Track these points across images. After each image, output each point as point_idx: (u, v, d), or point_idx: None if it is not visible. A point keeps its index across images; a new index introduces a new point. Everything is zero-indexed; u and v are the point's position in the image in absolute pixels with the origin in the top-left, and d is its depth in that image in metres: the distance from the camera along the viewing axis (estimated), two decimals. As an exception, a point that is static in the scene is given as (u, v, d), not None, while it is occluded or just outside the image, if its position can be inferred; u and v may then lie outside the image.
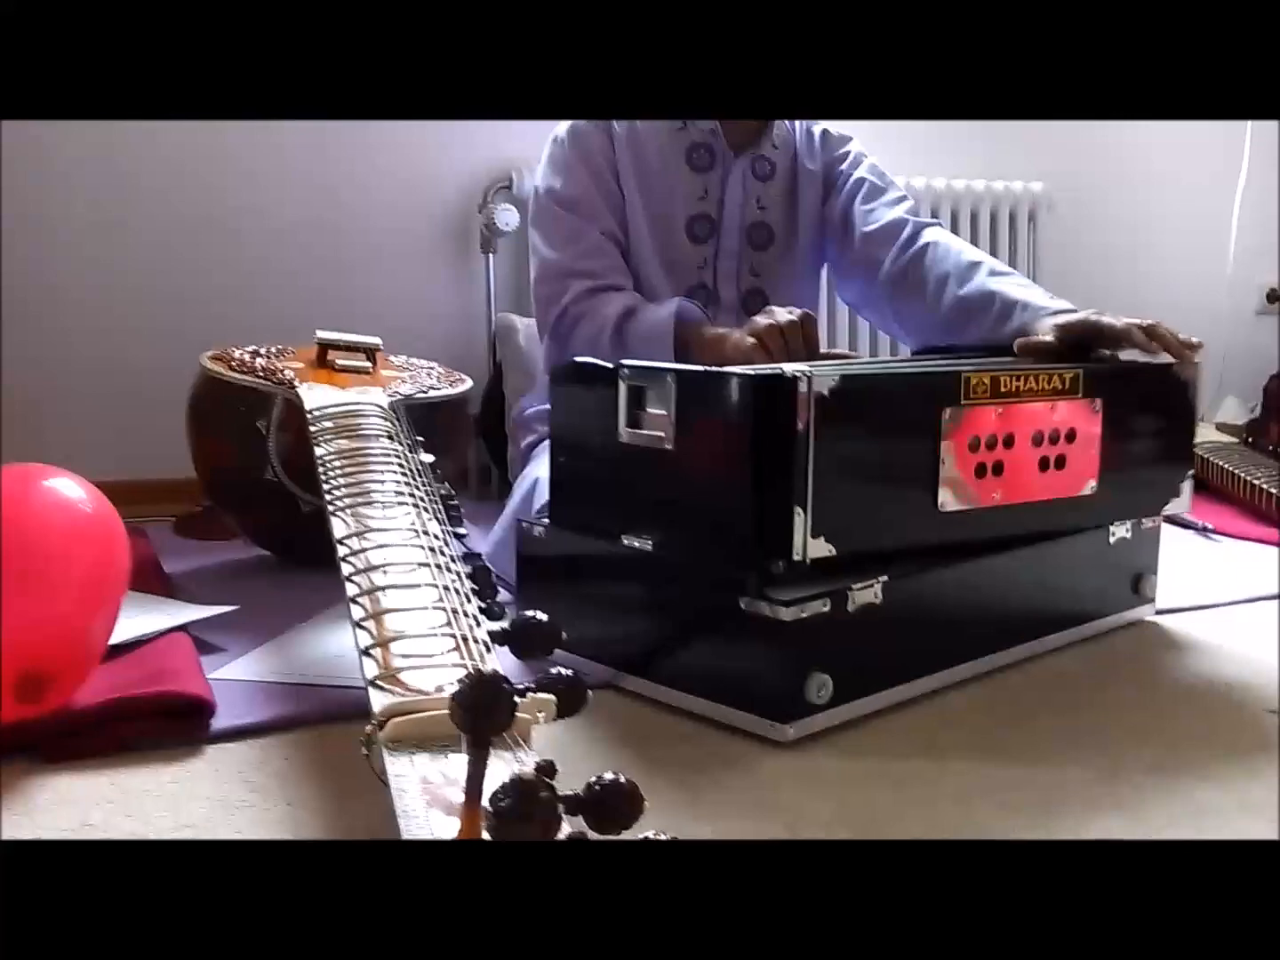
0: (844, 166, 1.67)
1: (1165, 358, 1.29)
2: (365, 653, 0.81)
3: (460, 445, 1.78)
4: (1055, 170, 2.57)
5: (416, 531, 1.02)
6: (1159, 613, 1.42)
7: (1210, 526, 1.90)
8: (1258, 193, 2.76)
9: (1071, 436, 1.18)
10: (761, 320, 1.32)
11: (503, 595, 0.99)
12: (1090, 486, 1.21)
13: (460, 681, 0.56)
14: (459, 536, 1.05)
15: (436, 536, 1.01)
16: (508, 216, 2.07)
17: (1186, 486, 1.33)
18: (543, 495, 1.29)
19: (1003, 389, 1.11)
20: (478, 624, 0.86)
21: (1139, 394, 1.26)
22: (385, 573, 0.93)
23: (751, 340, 1.31)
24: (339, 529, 1.02)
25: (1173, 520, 1.91)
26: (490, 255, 2.13)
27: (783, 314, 1.30)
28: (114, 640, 1.11)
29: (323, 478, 1.14)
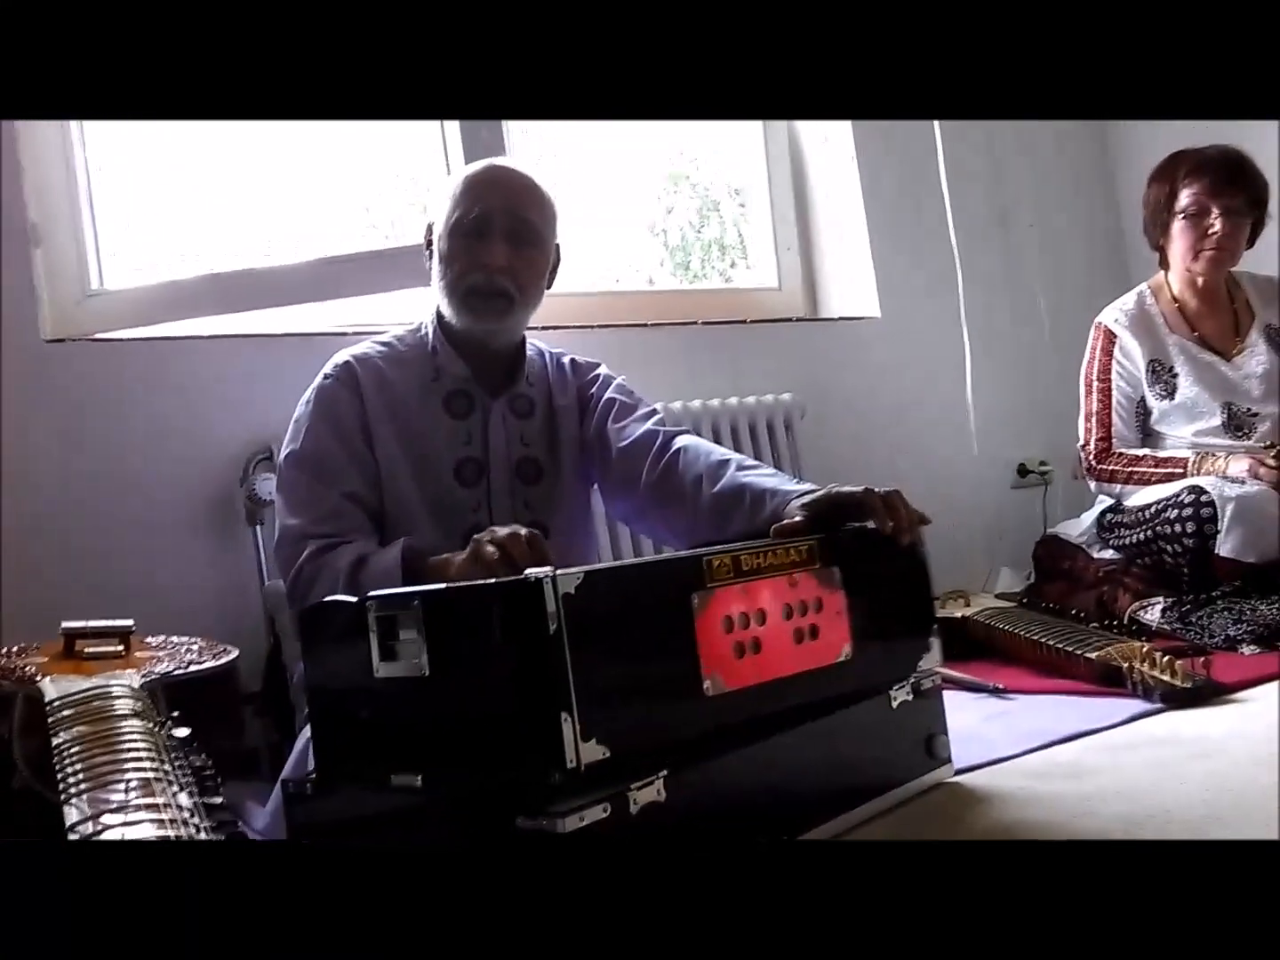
0: (594, 390, 1.75)
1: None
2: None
3: (232, 716, 1.69)
4: (799, 380, 2.73)
5: (158, 807, 0.96)
6: (959, 772, 1.42)
7: (1001, 686, 1.94)
8: (984, 374, 2.99)
9: (819, 605, 1.20)
10: (483, 538, 1.31)
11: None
12: (845, 652, 1.23)
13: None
14: (213, 806, 1.00)
15: (183, 808, 0.96)
16: (270, 486, 2.04)
17: (935, 641, 1.36)
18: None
19: (745, 567, 1.13)
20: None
21: (873, 557, 1.31)
22: (121, 855, 0.86)
23: (469, 560, 1.29)
24: (71, 816, 0.95)
25: (966, 685, 1.96)
26: (257, 527, 2.09)
27: (502, 530, 1.30)
28: None
29: (57, 767, 1.07)
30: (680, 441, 1.63)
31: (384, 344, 1.69)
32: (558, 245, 1.72)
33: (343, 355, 1.67)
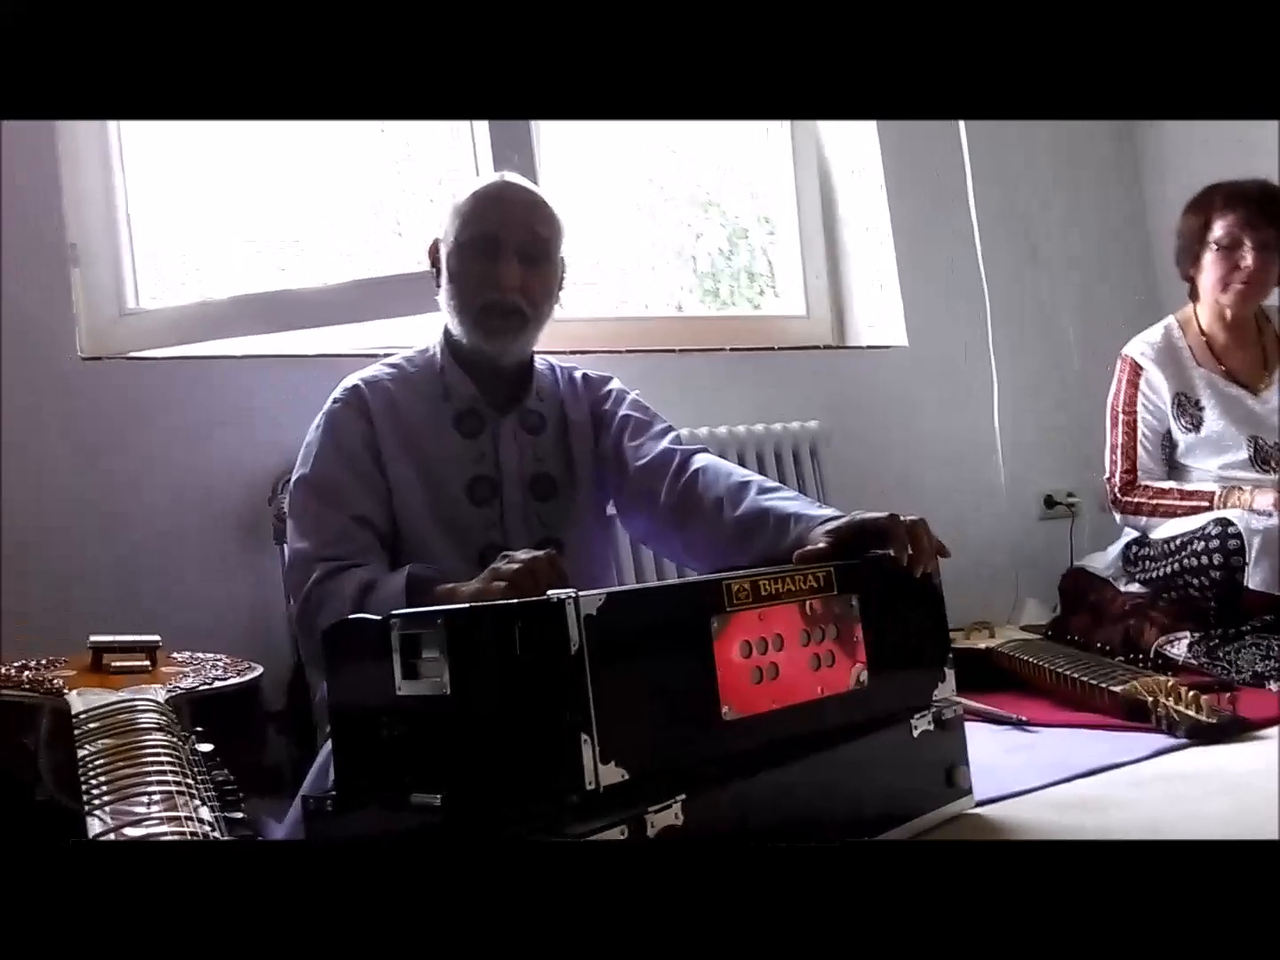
0: (608, 405, 1.74)
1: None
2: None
3: (255, 732, 1.70)
4: (826, 406, 2.73)
5: (180, 819, 0.97)
6: (979, 804, 1.42)
7: (1024, 719, 1.93)
8: (1012, 404, 2.98)
9: (836, 633, 1.20)
10: (499, 564, 1.30)
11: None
12: (861, 679, 1.23)
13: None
14: (234, 821, 1.01)
15: (204, 821, 0.97)
16: (298, 505, 2.05)
17: (950, 671, 1.36)
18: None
19: (764, 592, 1.13)
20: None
21: (890, 585, 1.31)
22: (142, 867, 0.88)
23: (478, 586, 1.28)
24: (94, 828, 0.96)
25: (989, 717, 1.94)
26: (284, 545, 2.10)
27: (520, 554, 1.30)
28: None
29: (82, 779, 1.08)
30: (699, 461, 1.63)
31: (393, 366, 1.70)
32: (563, 259, 1.71)
33: (351, 379, 1.67)
